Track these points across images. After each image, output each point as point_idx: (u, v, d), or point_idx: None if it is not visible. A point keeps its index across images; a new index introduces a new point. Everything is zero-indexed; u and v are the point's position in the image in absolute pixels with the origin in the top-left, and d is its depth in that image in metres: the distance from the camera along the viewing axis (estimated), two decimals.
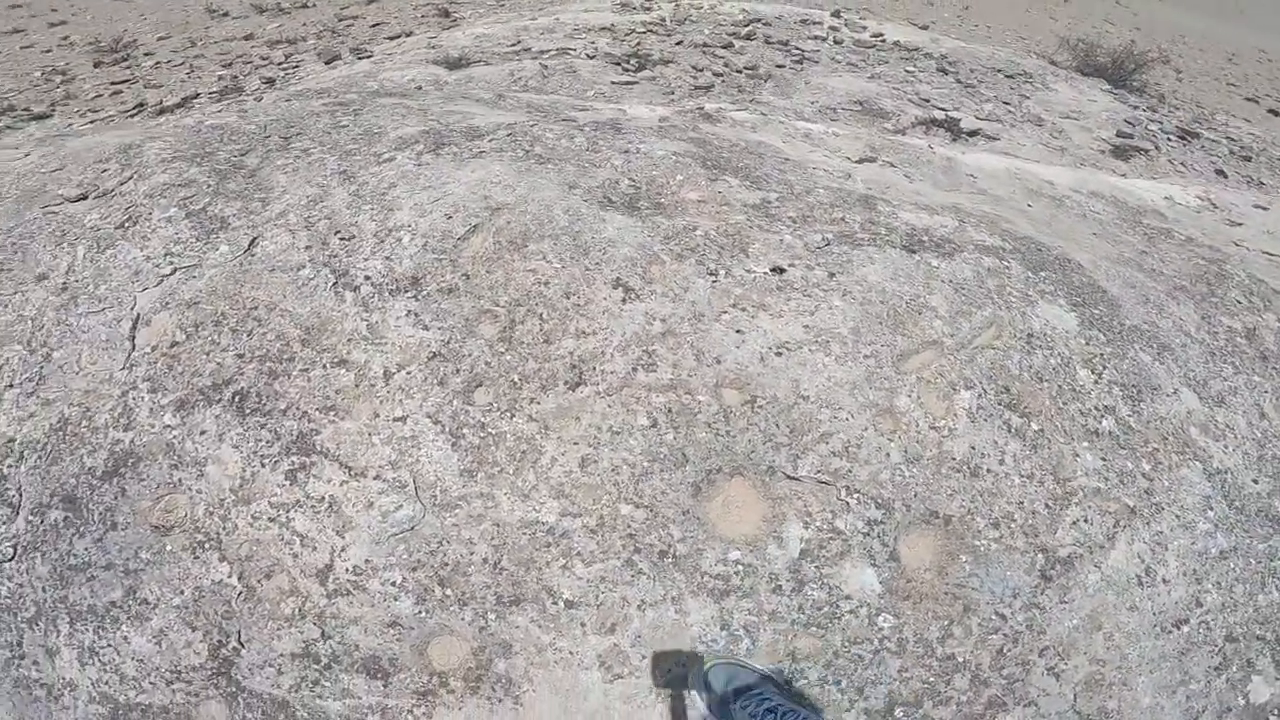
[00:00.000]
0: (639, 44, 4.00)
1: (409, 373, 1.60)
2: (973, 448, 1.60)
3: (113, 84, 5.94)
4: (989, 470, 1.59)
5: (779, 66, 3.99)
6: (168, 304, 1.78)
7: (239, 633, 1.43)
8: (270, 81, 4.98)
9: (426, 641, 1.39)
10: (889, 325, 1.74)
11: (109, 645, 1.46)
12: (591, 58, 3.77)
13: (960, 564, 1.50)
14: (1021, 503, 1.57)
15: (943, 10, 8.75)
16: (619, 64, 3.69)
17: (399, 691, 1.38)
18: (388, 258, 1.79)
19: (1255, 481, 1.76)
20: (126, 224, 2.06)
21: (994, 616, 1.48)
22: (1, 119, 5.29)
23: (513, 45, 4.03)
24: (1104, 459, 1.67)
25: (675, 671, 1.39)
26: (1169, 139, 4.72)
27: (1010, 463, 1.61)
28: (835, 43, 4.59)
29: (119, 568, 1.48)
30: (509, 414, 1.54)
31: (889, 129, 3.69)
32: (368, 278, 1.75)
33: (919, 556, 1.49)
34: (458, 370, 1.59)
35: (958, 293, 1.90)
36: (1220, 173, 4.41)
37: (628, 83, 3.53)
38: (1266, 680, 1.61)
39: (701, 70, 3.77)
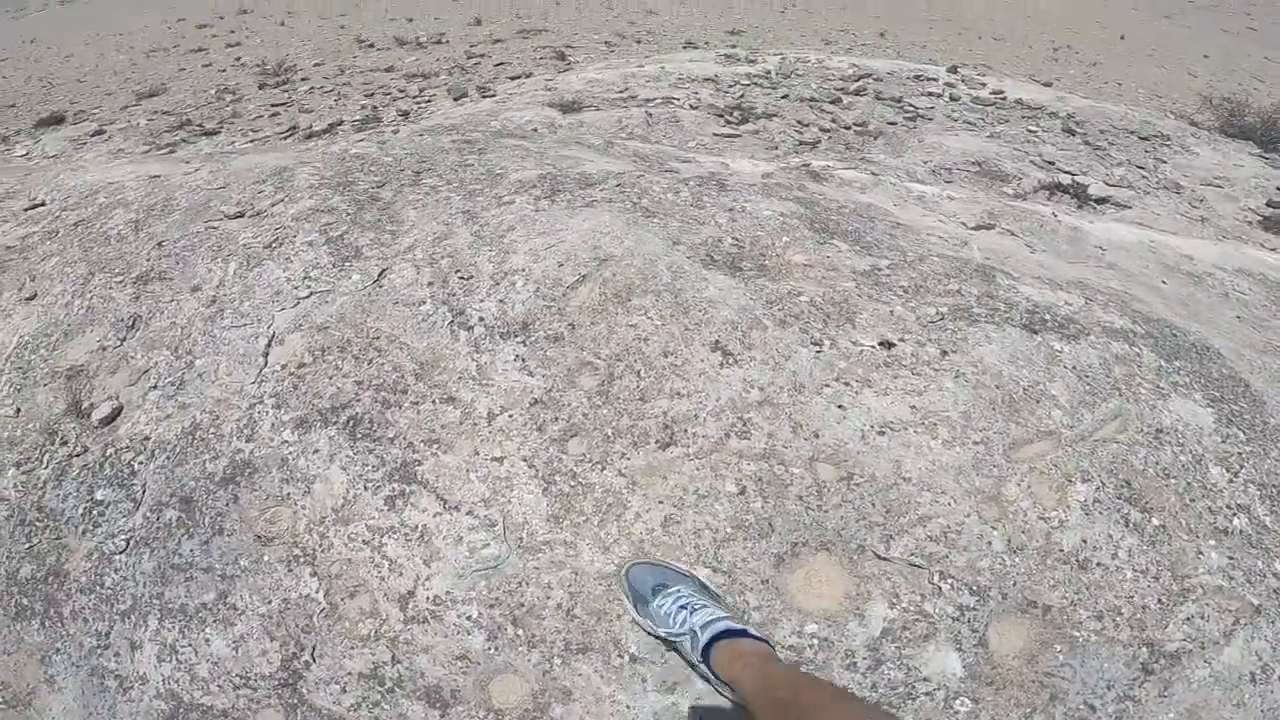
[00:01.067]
0: (742, 96, 4.05)
1: (511, 416, 1.66)
2: (1084, 540, 1.48)
3: (272, 105, 6.66)
4: (1099, 564, 1.46)
5: (890, 124, 3.92)
6: (300, 326, 1.92)
7: (314, 647, 1.48)
8: (405, 114, 5.42)
9: (490, 678, 1.41)
10: (1003, 412, 1.65)
11: (189, 645, 1.53)
12: (695, 108, 3.85)
13: (1053, 652, 1.39)
14: (1131, 597, 1.44)
15: (1069, 67, 8.34)
16: (721, 115, 3.75)
17: None
18: (501, 301, 1.88)
19: None
20: (274, 244, 2.27)
21: (1082, 706, 1.37)
22: (179, 133, 6.05)
23: (621, 92, 4.19)
24: (1230, 558, 1.51)
25: None
26: None
27: (1124, 557, 1.47)
28: (951, 99, 4.47)
29: (217, 571, 1.57)
30: (600, 466, 1.57)
31: (1009, 193, 3.53)
32: (481, 319, 1.85)
33: (1009, 644, 1.40)
34: (556, 418, 1.64)
35: (1081, 380, 1.77)
36: None
37: (730, 135, 3.57)
38: None
39: (807, 125, 3.77)
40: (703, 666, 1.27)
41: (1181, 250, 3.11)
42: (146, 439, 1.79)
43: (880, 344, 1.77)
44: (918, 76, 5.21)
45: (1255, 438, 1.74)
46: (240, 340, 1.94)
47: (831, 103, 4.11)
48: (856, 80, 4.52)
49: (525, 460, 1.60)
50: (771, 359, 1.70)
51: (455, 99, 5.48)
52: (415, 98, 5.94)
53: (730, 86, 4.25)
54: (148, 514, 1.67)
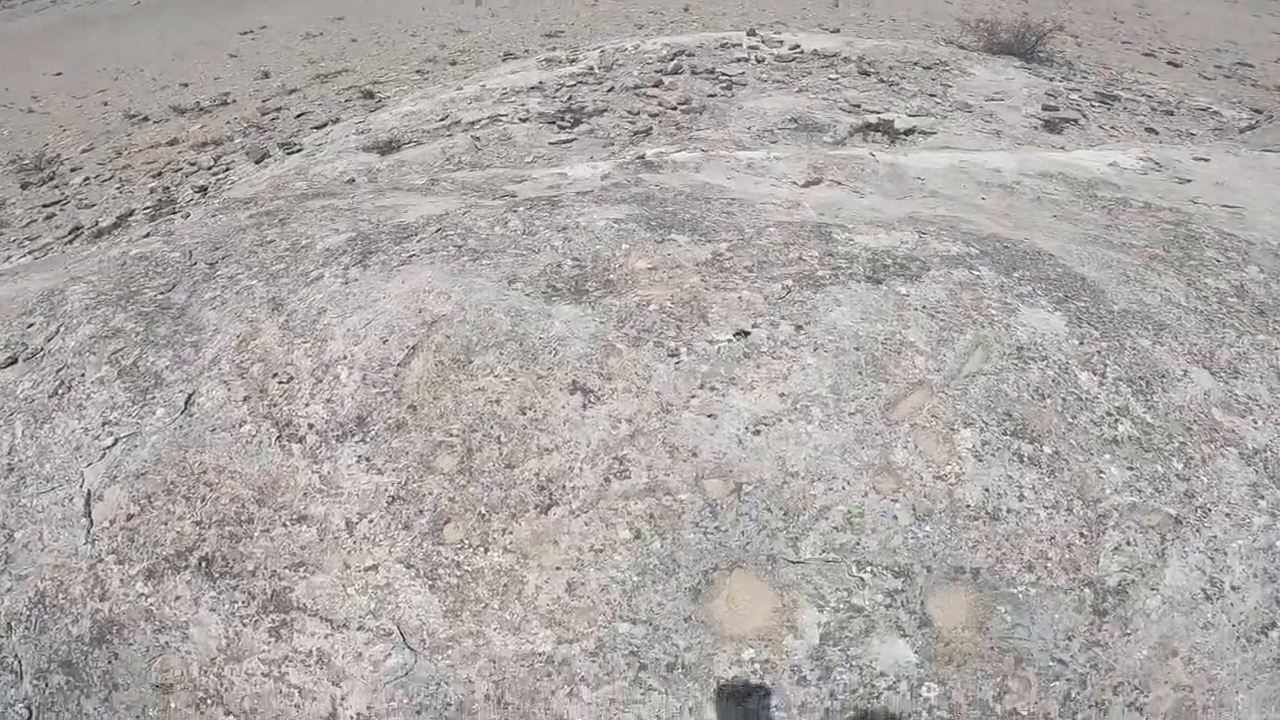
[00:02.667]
0: (570, 98, 3.95)
1: (371, 520, 1.48)
2: (986, 490, 1.49)
3: (43, 206, 5.77)
4: (1009, 510, 1.48)
5: (710, 96, 3.96)
6: (115, 478, 1.72)
7: None
8: (203, 189, 4.87)
9: None
10: (869, 374, 1.65)
11: None
12: (525, 120, 3.71)
13: (1000, 616, 1.38)
14: (1053, 538, 1.45)
15: (848, 10, 8.91)
16: (554, 122, 3.63)
17: None
18: (328, 400, 1.68)
19: None
20: (60, 391, 1.97)
21: (1052, 663, 1.36)
22: None
23: (441, 120, 3.96)
24: (1131, 468, 1.55)
25: None
26: (1092, 105, 4.77)
27: (1031, 496, 1.50)
28: (758, 61, 4.60)
29: None
30: (482, 549, 1.42)
31: (828, 142, 3.66)
32: (311, 426, 1.64)
33: (953, 617, 1.37)
34: (420, 511, 1.47)
35: (934, 319, 1.81)
36: (1151, 130, 4.46)
37: (565, 141, 3.46)
38: None
39: (638, 114, 3.73)
40: None
41: (989, 164, 3.34)
42: None
43: (736, 335, 1.73)
44: (724, 45, 5.33)
45: (1107, 331, 1.83)
46: (54, 506, 1.74)
47: (654, 86, 4.11)
48: (671, 59, 4.55)
49: (401, 562, 1.44)
50: (633, 385, 1.61)
51: (257, 161, 4.99)
52: (211, 169, 5.36)
53: (557, 90, 4.13)
54: (34, 681, 1.56)
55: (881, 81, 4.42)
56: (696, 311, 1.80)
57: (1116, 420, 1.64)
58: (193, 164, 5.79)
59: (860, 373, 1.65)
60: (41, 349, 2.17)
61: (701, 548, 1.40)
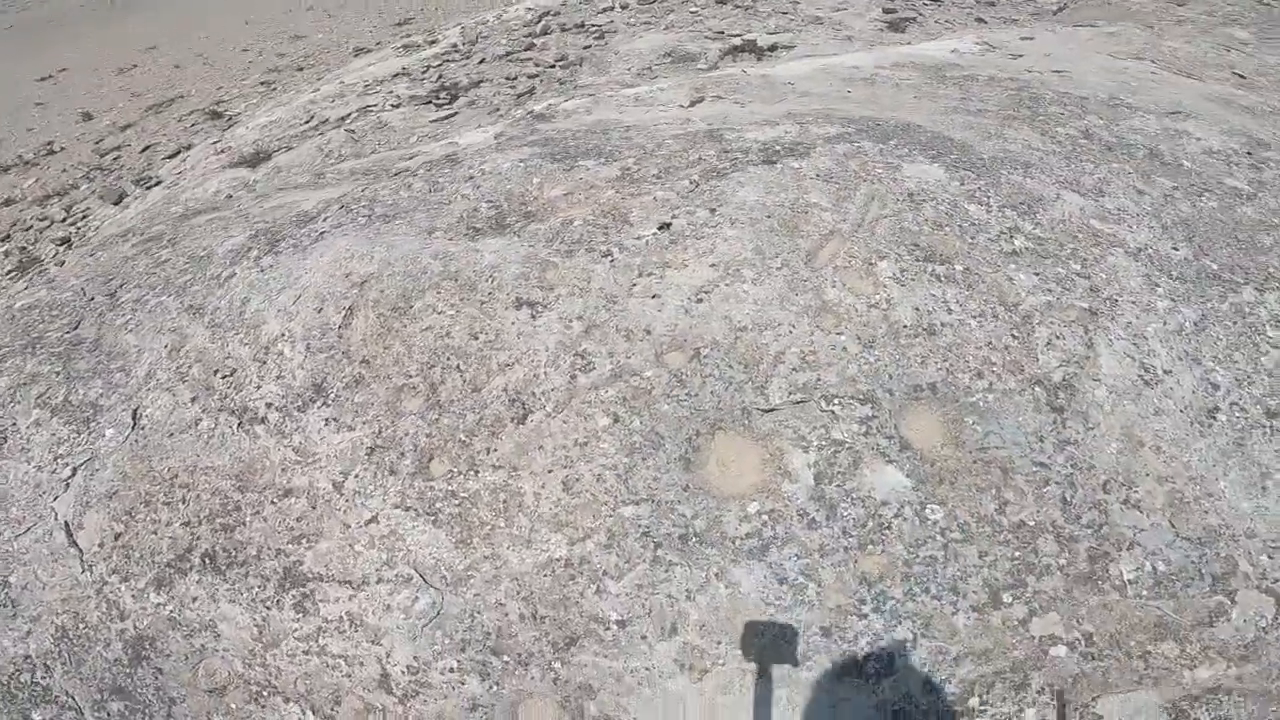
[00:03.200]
0: (440, 76, 3.88)
1: (357, 476, 1.48)
2: (916, 309, 1.64)
3: None
4: (943, 324, 1.63)
5: (585, 48, 4.00)
6: (89, 504, 1.67)
7: None
8: (65, 241, 4.48)
9: (514, 712, 1.33)
10: (785, 233, 1.78)
11: None
12: (397, 106, 3.62)
13: (969, 427, 1.49)
14: (990, 343, 1.60)
15: None
16: (430, 102, 3.57)
17: None
18: (279, 377, 1.65)
19: (1175, 249, 1.87)
20: None
21: (1035, 468, 1.46)
22: None
23: (307, 122, 3.80)
24: (1036, 273, 1.73)
25: (762, 642, 1.35)
26: (925, 4, 5.13)
27: (957, 308, 1.65)
28: (622, 7, 4.66)
29: None
30: (472, 473, 1.45)
31: (703, 68, 3.79)
32: (269, 405, 1.61)
33: (927, 435, 1.48)
34: (402, 454, 1.48)
35: (829, 183, 1.97)
36: (980, 20, 4.85)
37: (448, 116, 3.41)
38: None
39: (515, 79, 3.71)
40: None
41: (848, 64, 3.56)
42: (26, 658, 1.59)
43: (660, 228, 1.82)
44: None
45: (982, 173, 2.03)
46: (36, 544, 1.68)
47: (527, 50, 4.09)
48: (538, 22, 4.53)
49: (398, 508, 1.45)
50: (575, 288, 1.67)
51: (115, 202, 4.63)
52: (66, 220, 4.92)
53: (424, 73, 4.03)
54: (95, 713, 1.54)
55: (738, 7, 4.59)
56: (619, 218, 1.87)
57: (1011, 236, 1.85)
58: (43, 219, 5.31)
59: (777, 234, 1.78)
60: None
61: (678, 416, 1.49)
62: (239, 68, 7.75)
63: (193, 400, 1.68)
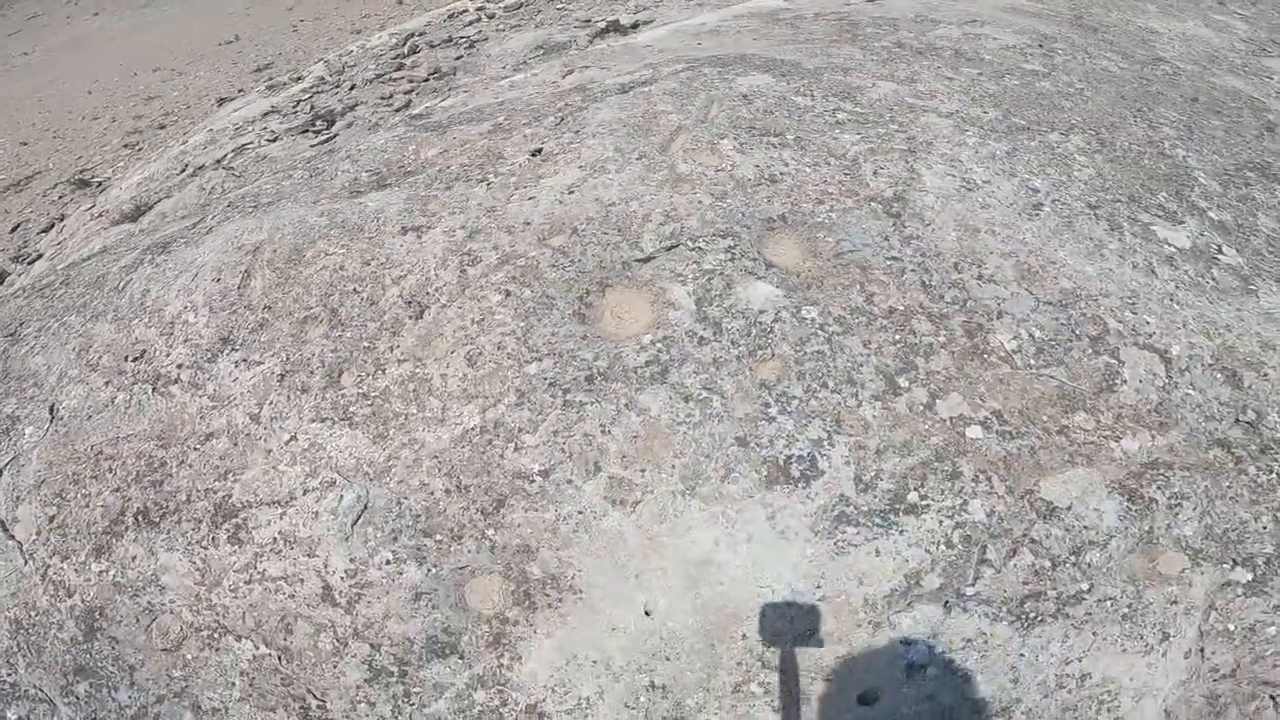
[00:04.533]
0: (313, 108, 3.99)
1: (272, 403, 1.54)
2: (758, 166, 1.84)
3: None
4: (782, 173, 1.83)
5: (458, 59, 4.19)
6: (19, 499, 1.66)
7: (308, 692, 1.36)
8: None
9: (459, 594, 1.35)
10: (639, 134, 1.97)
11: None
12: (274, 140, 3.71)
13: (823, 240, 1.64)
14: (825, 181, 1.81)
15: None
16: (307, 131, 3.67)
17: (475, 655, 1.33)
18: (186, 340, 1.70)
19: (985, 112, 2.15)
20: None
21: (889, 261, 1.59)
22: None
23: (181, 172, 3.84)
24: (859, 133, 1.98)
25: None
26: None
27: (793, 162, 1.87)
28: (489, 18, 4.90)
29: (169, 694, 1.45)
30: (380, 372, 1.54)
31: (574, 54, 4.04)
32: (180, 366, 1.66)
33: (786, 253, 1.62)
34: (311, 372, 1.56)
35: (673, 97, 2.18)
36: None
37: (327, 139, 3.52)
38: (1168, 226, 1.79)
39: (391, 96, 3.86)
40: None
41: (697, 22, 3.88)
42: None
43: (532, 154, 1.99)
44: (451, 15, 5.59)
45: (808, 77, 2.28)
46: None
47: (398, 70, 4.24)
48: (405, 44, 4.70)
49: (314, 421, 1.51)
50: (457, 208, 1.80)
51: None
52: None
53: (295, 107, 4.13)
54: (65, 699, 1.55)
55: None
56: (493, 156, 2.03)
57: (834, 112, 2.10)
58: None
59: (633, 135, 1.96)
60: None
61: (566, 279, 1.62)
62: (95, 135, 7.58)
63: (106, 384, 1.71)
